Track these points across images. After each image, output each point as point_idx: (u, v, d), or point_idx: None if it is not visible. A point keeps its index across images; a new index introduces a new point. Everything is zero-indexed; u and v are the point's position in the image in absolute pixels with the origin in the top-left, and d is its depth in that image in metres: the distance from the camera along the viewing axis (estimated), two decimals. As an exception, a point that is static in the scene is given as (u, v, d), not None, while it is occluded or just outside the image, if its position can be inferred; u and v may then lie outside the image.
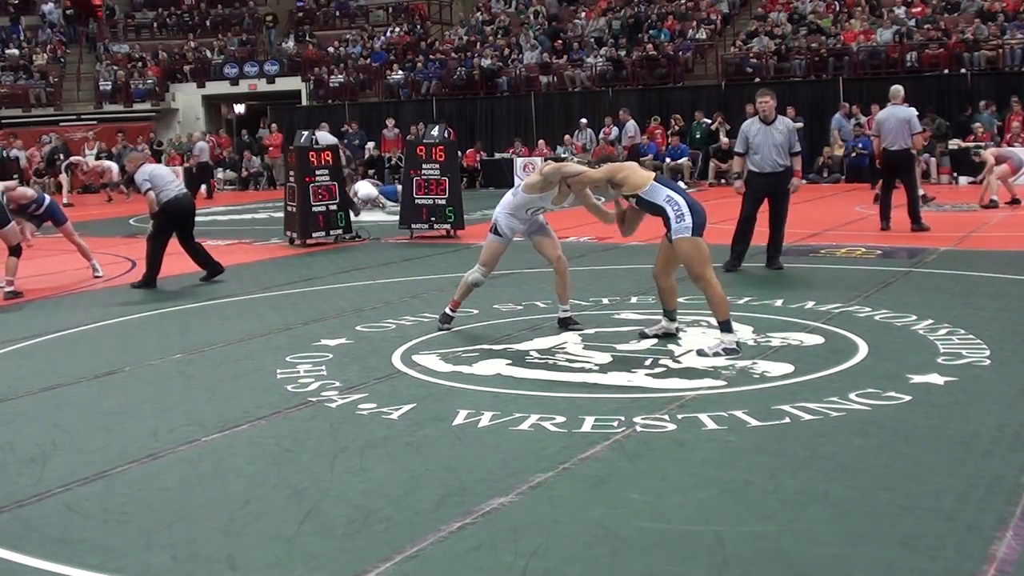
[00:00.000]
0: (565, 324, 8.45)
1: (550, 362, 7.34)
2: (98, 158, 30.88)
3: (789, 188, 11.20)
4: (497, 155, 27.72)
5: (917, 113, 14.92)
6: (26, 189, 13.21)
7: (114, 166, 27.12)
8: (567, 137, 26.89)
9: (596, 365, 7.19)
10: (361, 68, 32.83)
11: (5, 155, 28.75)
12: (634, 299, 9.60)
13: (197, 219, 12.77)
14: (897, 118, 13.96)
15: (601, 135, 26.44)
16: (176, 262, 14.05)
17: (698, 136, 25.37)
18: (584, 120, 26.79)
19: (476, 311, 9.28)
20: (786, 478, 4.86)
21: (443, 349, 7.82)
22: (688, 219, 7.31)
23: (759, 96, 11.25)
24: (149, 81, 34.95)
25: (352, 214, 16.75)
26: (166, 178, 12.29)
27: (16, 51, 36.70)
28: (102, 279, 12.58)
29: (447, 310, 8.68)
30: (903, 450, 5.23)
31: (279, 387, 6.92)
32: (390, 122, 28.64)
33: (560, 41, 30.15)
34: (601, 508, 4.57)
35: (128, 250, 15.52)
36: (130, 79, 34.90)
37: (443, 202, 15.45)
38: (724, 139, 24.66)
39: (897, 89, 14.55)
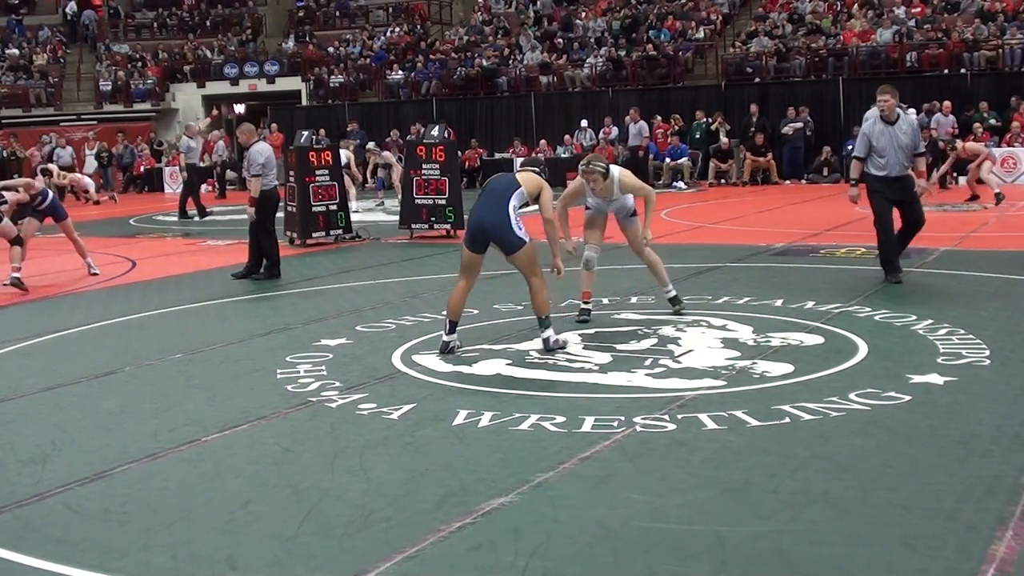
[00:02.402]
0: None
1: (550, 362, 7.35)
2: (98, 158, 30.89)
3: (916, 191, 10.32)
4: (497, 155, 27.71)
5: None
6: (33, 181, 13.13)
7: (90, 182, 27.06)
8: (567, 137, 26.89)
9: (596, 365, 7.19)
10: (361, 68, 32.82)
11: (7, 155, 28.76)
12: (634, 299, 9.60)
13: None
14: None
15: (601, 135, 26.44)
16: (177, 262, 14.06)
17: (698, 136, 25.37)
18: (585, 121, 26.78)
19: (476, 311, 9.28)
20: (786, 478, 4.86)
21: (443, 349, 7.81)
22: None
23: (879, 94, 10.11)
24: (149, 81, 34.93)
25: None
26: (273, 162, 12.29)
27: (16, 51, 36.69)
28: (100, 278, 12.58)
29: (582, 304, 8.71)
30: (903, 450, 5.23)
31: (279, 387, 6.92)
32: (395, 133, 28.32)
33: (559, 40, 30.13)
34: (601, 508, 4.57)
35: (128, 250, 15.52)
36: (130, 79, 34.89)
37: (443, 202, 15.45)
38: (724, 139, 24.66)
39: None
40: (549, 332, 7.71)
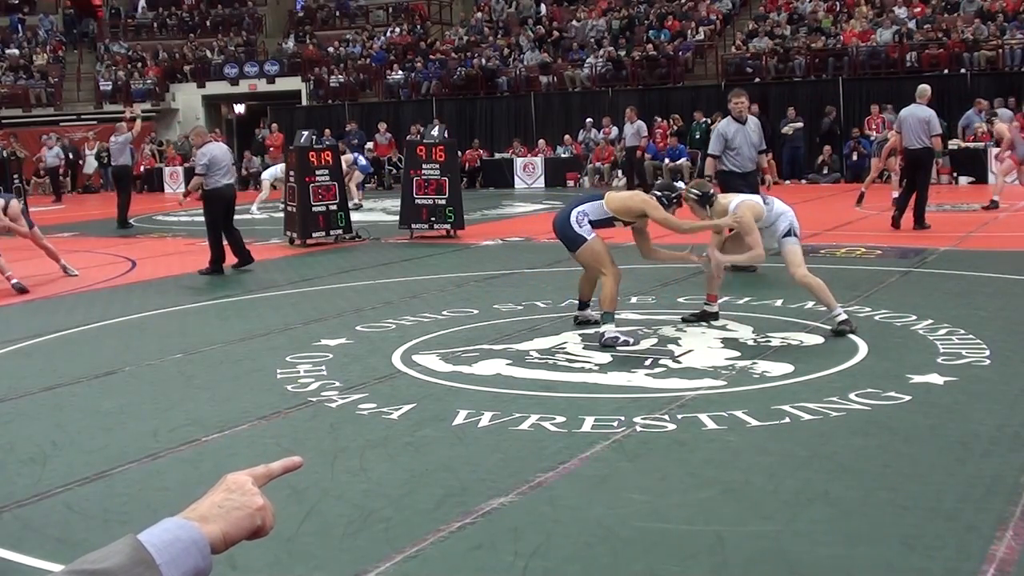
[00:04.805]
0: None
1: (550, 362, 7.34)
2: (98, 157, 30.90)
3: (763, 187, 11.39)
4: (497, 155, 27.74)
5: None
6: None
7: None
8: (567, 137, 26.90)
9: (596, 365, 7.19)
10: (361, 68, 32.83)
11: (7, 155, 28.74)
12: (634, 299, 9.59)
13: (200, 219, 12.87)
14: (916, 118, 13.98)
15: (601, 135, 26.45)
16: (176, 262, 14.06)
17: (697, 136, 25.35)
18: (590, 120, 26.79)
19: (476, 311, 9.28)
20: (786, 478, 4.86)
21: (443, 349, 7.81)
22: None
23: (735, 96, 11.38)
24: (149, 81, 34.94)
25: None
26: (221, 163, 12.66)
27: (16, 51, 36.70)
28: (100, 277, 12.58)
29: (706, 307, 8.46)
30: (903, 450, 5.23)
31: (279, 387, 6.92)
32: (382, 126, 28.46)
33: (555, 41, 30.15)
34: (601, 508, 4.57)
35: (128, 250, 15.53)
36: (130, 79, 34.90)
37: (443, 202, 15.45)
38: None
39: (924, 89, 14.53)
40: (607, 327, 7.78)
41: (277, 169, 21.76)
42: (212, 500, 1.39)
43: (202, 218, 13.26)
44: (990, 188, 17.39)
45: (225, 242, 12.65)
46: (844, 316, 7.92)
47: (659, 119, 25.79)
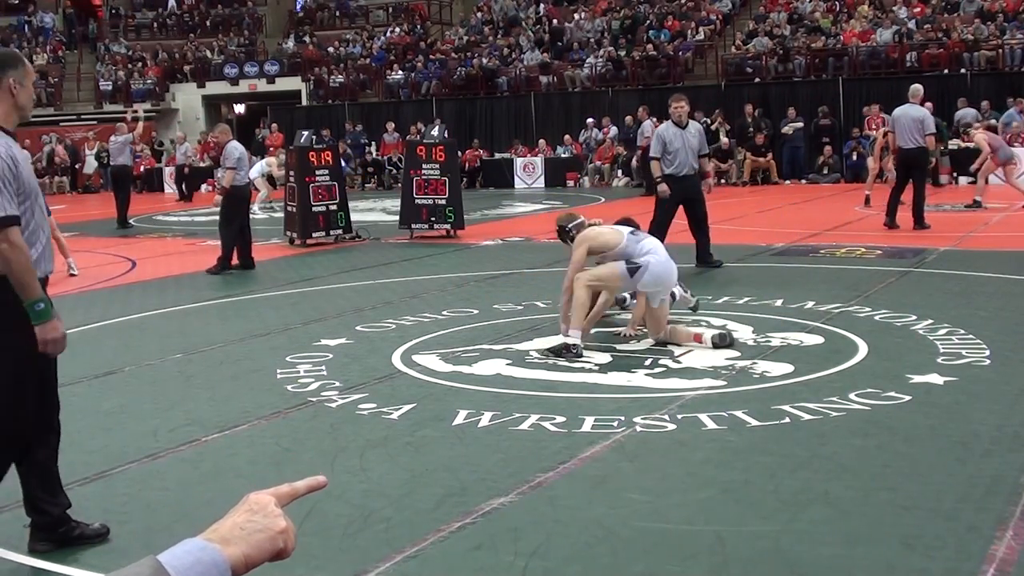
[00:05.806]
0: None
1: (550, 362, 7.34)
2: (98, 158, 30.91)
3: (704, 190, 11.62)
4: (497, 155, 27.73)
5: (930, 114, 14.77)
6: None
7: None
8: (567, 137, 26.89)
9: (596, 365, 7.19)
10: (361, 68, 32.83)
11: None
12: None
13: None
14: (910, 117, 13.93)
15: (600, 135, 26.44)
16: (177, 262, 14.06)
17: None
18: (591, 120, 26.76)
19: (476, 311, 9.28)
20: (786, 478, 4.86)
21: (443, 349, 7.81)
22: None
23: (675, 101, 11.57)
24: (149, 81, 34.93)
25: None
26: (245, 163, 13.19)
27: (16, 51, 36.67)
28: (100, 278, 12.58)
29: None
30: (903, 450, 5.23)
31: (279, 387, 6.92)
32: (390, 126, 28.59)
33: (554, 41, 30.14)
34: (601, 508, 4.57)
35: (128, 250, 15.53)
36: (130, 79, 34.90)
37: (443, 202, 15.45)
38: (724, 139, 24.64)
39: (916, 88, 14.50)
40: None
41: (263, 164, 21.91)
42: (234, 521, 1.37)
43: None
44: (974, 189, 17.44)
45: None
46: (574, 342, 7.39)
47: (655, 119, 25.70)
